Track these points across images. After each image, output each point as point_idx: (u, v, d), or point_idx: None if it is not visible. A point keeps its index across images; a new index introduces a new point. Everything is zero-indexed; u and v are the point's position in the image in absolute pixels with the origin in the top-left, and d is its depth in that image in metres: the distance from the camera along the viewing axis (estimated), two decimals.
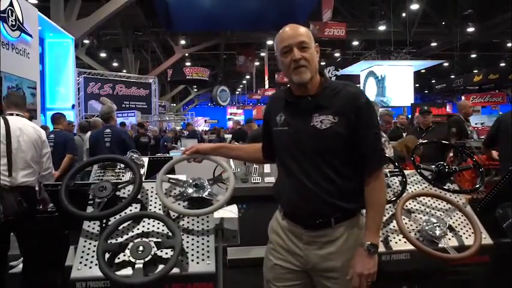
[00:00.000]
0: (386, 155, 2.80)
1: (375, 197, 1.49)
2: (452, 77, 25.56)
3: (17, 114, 2.87)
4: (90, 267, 1.73)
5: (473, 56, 25.84)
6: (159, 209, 1.98)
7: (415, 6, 17.81)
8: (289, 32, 1.50)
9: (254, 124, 7.80)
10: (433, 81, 30.34)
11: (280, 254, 1.59)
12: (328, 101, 1.49)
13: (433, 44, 22.69)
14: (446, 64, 25.19)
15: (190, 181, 1.98)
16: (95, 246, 1.78)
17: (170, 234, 1.79)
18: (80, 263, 1.75)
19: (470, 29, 19.73)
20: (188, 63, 26.75)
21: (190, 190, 1.94)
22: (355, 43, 23.36)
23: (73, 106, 11.56)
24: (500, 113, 18.35)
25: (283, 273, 1.58)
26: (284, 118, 1.57)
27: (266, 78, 27.22)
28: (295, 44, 1.47)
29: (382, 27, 19.70)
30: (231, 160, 3.28)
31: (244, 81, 33.78)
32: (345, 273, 1.48)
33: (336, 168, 1.48)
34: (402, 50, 19.14)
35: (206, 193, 1.94)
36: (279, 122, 1.59)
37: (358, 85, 18.18)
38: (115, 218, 1.87)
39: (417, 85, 27.31)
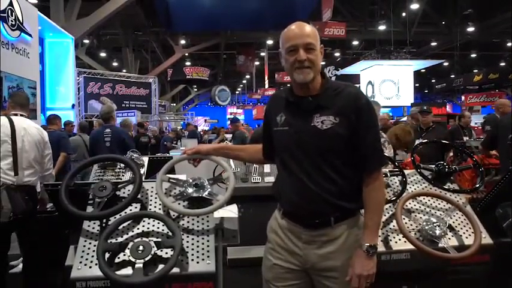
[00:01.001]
0: (386, 154, 2.81)
1: (374, 197, 1.49)
2: (452, 76, 25.55)
3: (21, 115, 2.90)
4: (90, 267, 1.73)
5: (473, 55, 25.84)
6: (159, 209, 1.98)
7: (415, 6, 17.80)
8: (296, 31, 1.49)
9: (240, 124, 7.93)
10: (433, 80, 30.35)
11: (279, 254, 1.59)
12: (329, 102, 1.49)
13: (433, 44, 22.68)
14: (446, 64, 25.19)
15: (190, 181, 1.98)
16: (95, 246, 1.78)
17: (170, 233, 1.79)
18: (80, 262, 1.75)
19: (470, 29, 19.72)
20: (188, 63, 26.74)
21: (190, 190, 1.94)
22: (355, 43, 23.35)
23: (73, 106, 11.56)
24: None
25: (282, 272, 1.57)
26: (284, 118, 1.57)
27: (266, 78, 27.21)
28: (302, 44, 1.46)
29: (382, 27, 19.69)
30: (231, 160, 3.28)
31: (244, 81, 33.77)
32: (344, 272, 1.48)
33: (337, 169, 1.48)
34: (402, 49, 19.13)
35: (206, 193, 1.95)
36: (279, 122, 1.58)
37: (357, 85, 18.22)
38: (115, 217, 1.87)
39: (417, 85, 27.30)
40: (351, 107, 1.46)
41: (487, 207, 2.35)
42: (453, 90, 27.50)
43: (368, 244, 1.45)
